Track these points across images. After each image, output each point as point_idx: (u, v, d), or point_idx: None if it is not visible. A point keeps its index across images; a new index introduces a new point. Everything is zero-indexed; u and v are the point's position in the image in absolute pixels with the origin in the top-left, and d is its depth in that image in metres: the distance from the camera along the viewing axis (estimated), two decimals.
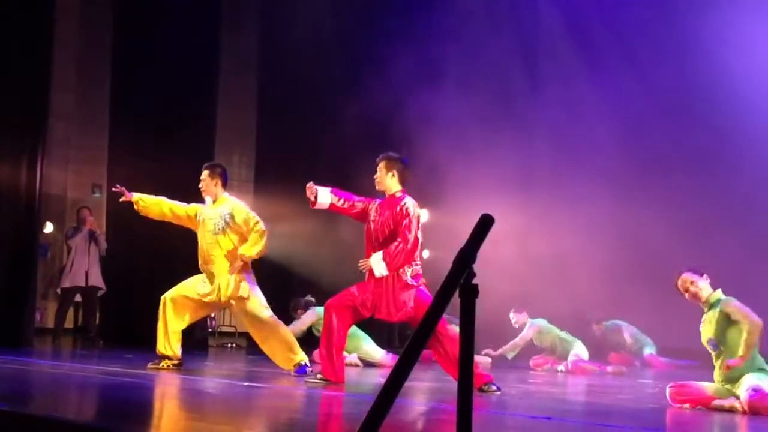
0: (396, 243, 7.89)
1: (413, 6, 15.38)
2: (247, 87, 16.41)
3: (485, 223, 3.46)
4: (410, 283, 7.92)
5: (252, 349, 13.48)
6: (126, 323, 13.40)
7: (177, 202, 9.61)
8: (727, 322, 7.05)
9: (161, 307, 9.22)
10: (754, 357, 7.04)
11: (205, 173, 9.44)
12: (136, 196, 9.50)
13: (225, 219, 9.17)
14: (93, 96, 15.55)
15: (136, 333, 12.62)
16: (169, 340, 9.13)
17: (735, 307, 7.04)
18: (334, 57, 15.30)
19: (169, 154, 13.33)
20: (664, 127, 14.43)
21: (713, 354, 7.19)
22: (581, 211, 13.91)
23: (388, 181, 8.21)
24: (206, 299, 9.17)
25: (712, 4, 13.38)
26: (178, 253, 13.60)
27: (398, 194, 8.18)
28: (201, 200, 9.58)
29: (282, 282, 14.26)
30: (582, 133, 14.58)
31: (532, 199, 14.43)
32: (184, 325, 9.26)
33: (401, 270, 7.91)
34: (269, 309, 9.10)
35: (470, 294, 3.37)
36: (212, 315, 14.51)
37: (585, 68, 14.71)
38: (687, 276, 7.23)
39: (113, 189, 9.66)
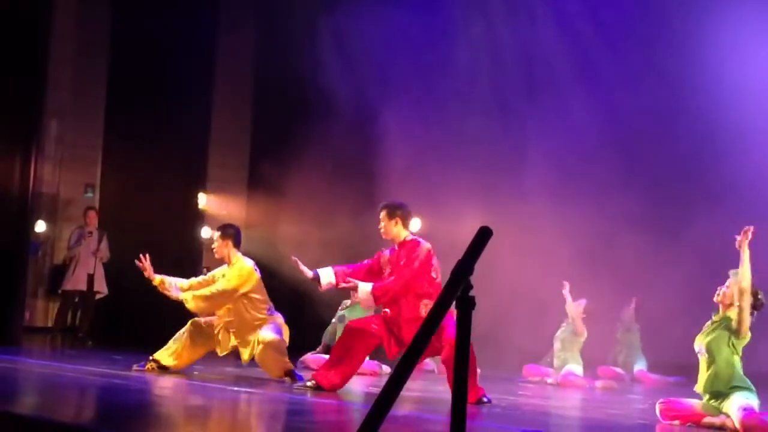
0: (391, 279, 7.89)
1: (410, 12, 15.33)
2: (243, 88, 16.36)
3: (483, 235, 3.44)
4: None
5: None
6: (116, 324, 13.35)
7: (195, 279, 9.39)
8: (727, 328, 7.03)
9: (189, 326, 9.11)
10: (739, 372, 7.02)
11: (216, 235, 9.29)
12: (158, 279, 9.22)
13: None
14: (88, 95, 15.48)
15: (125, 334, 12.58)
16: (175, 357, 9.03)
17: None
18: (330, 59, 15.23)
19: (163, 155, 13.30)
20: (658, 141, 14.44)
21: (703, 359, 7.12)
22: (573, 223, 13.91)
23: (394, 229, 8.12)
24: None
25: (704, 21, 13.39)
26: (171, 255, 13.60)
27: (408, 238, 8.10)
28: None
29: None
30: (575, 145, 14.57)
31: (522, 211, 14.38)
32: (198, 356, 9.21)
33: (425, 302, 7.85)
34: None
35: (467, 306, 3.35)
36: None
37: (578, 82, 14.70)
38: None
39: (138, 263, 9.31)
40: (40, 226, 14.68)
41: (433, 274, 7.91)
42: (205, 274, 14.59)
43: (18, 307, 11.89)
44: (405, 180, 12.70)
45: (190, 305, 8.94)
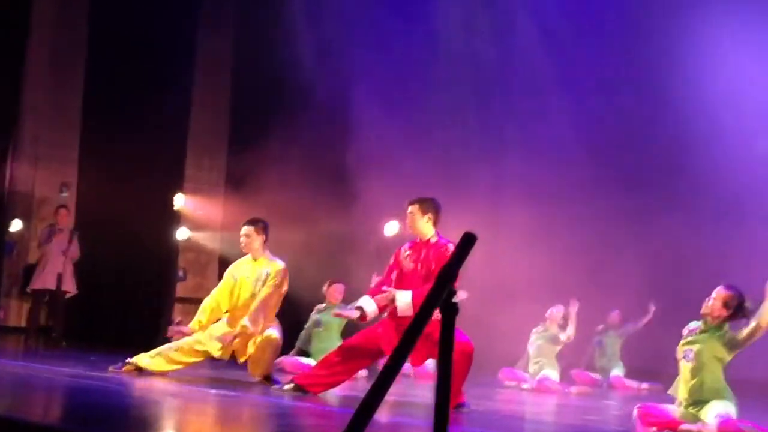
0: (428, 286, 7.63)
1: (391, 14, 15.33)
2: (221, 88, 16.28)
3: (468, 242, 3.43)
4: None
5: None
6: (91, 324, 13.26)
7: (215, 294, 9.08)
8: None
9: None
10: (723, 382, 7.05)
11: (250, 229, 8.94)
12: (194, 324, 8.93)
13: (263, 280, 8.88)
14: (65, 93, 15.36)
15: (100, 334, 12.50)
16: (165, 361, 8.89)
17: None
18: (310, 60, 15.20)
19: (140, 155, 13.24)
20: (638, 145, 14.53)
21: (687, 366, 7.11)
22: (555, 228, 13.97)
23: (423, 225, 7.86)
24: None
25: (685, 26, 13.49)
26: (147, 254, 13.54)
27: (434, 238, 7.84)
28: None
29: None
30: (554, 150, 14.63)
31: (502, 216, 14.43)
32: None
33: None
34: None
35: (450, 312, 3.35)
36: (177, 320, 14.37)
37: (558, 85, 14.76)
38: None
39: (171, 330, 9.13)
40: (15, 225, 14.57)
41: None
42: (182, 276, 14.58)
43: None
44: (384, 180, 12.70)
45: (254, 328, 8.68)
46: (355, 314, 7.80)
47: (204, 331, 8.87)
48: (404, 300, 7.58)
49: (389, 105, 13.68)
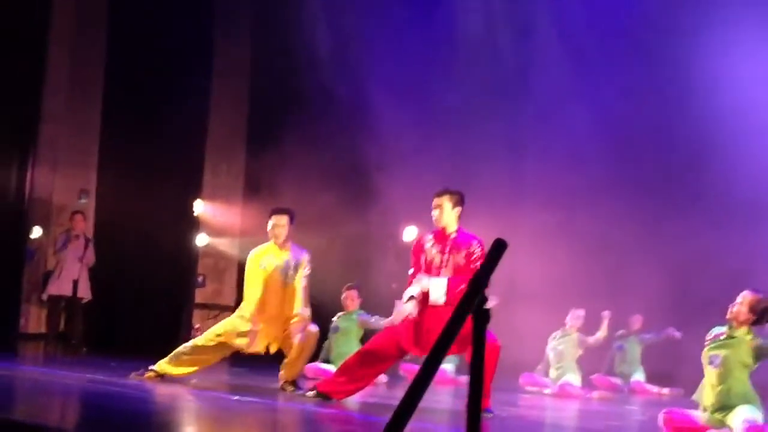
0: (463, 276, 7.57)
1: (411, 15, 15.31)
2: (239, 94, 16.31)
3: (498, 248, 3.42)
4: None
5: (235, 360, 13.38)
6: (111, 330, 13.28)
7: (250, 285, 8.97)
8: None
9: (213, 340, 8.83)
10: (750, 387, 7.01)
11: (284, 219, 8.93)
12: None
13: (294, 268, 8.91)
14: (84, 99, 15.38)
15: (120, 340, 12.52)
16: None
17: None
18: (327, 62, 15.20)
19: (159, 161, 13.26)
20: (659, 147, 14.50)
21: (714, 371, 7.07)
22: (571, 230, 13.93)
23: (452, 217, 7.83)
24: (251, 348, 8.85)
25: (706, 28, 13.44)
26: (166, 260, 13.56)
27: (456, 232, 7.81)
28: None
29: None
30: (570, 151, 14.59)
31: (520, 218, 14.38)
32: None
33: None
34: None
35: (482, 319, 3.33)
36: (196, 326, 14.39)
37: (578, 86, 14.72)
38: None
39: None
40: (36, 233, 14.59)
41: None
42: (201, 282, 14.57)
43: (14, 313, 11.83)
44: (403, 181, 12.68)
45: (308, 314, 8.79)
46: (410, 307, 7.63)
47: (226, 325, 8.83)
48: (440, 283, 7.56)
49: (408, 106, 13.66)
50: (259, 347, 8.78)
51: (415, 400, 3.14)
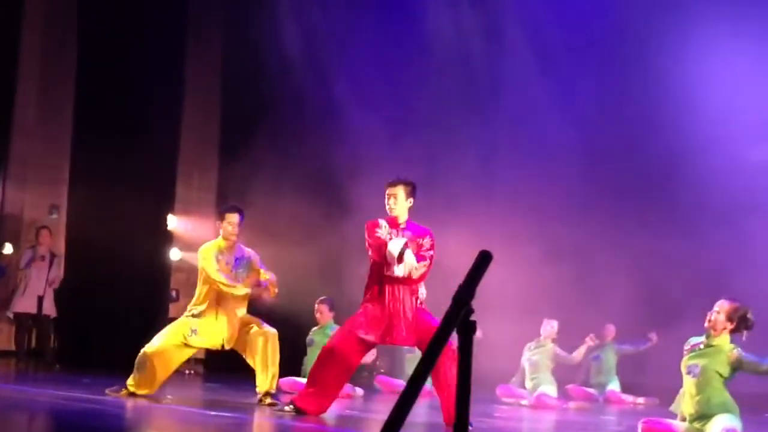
0: (425, 261, 7.67)
1: (383, 21, 15.28)
2: (211, 107, 16.20)
3: (483, 260, 3.40)
4: (422, 306, 7.75)
5: (210, 376, 13.31)
6: (84, 347, 13.15)
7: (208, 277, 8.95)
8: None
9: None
10: (729, 396, 7.02)
11: (238, 218, 8.90)
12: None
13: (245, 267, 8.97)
14: (55, 113, 15.26)
15: (93, 356, 12.40)
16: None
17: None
18: (299, 72, 15.14)
19: (130, 175, 13.17)
20: (632, 154, 14.58)
21: (693, 381, 7.07)
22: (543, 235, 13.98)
23: (404, 207, 7.86)
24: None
25: (681, 36, 13.54)
26: (139, 276, 13.45)
27: (405, 224, 7.85)
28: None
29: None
30: (542, 158, 14.65)
31: (490, 224, 14.38)
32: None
33: (418, 287, 7.72)
34: None
35: (468, 331, 3.31)
36: None
37: (550, 91, 14.77)
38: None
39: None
40: (7, 249, 14.44)
41: None
42: (175, 297, 14.47)
43: None
44: (377, 187, 12.65)
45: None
46: (401, 243, 7.65)
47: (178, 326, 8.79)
48: (398, 244, 7.58)
49: (380, 112, 13.66)
50: (214, 342, 8.74)
51: (404, 413, 3.11)
